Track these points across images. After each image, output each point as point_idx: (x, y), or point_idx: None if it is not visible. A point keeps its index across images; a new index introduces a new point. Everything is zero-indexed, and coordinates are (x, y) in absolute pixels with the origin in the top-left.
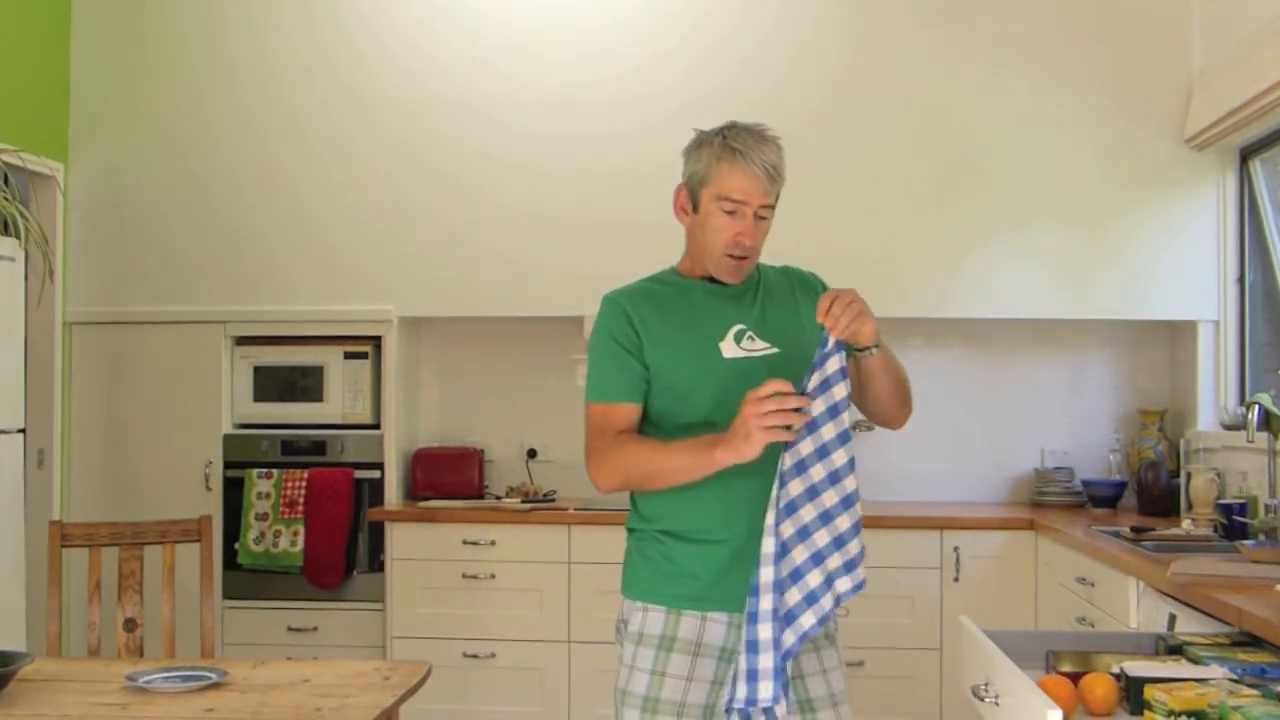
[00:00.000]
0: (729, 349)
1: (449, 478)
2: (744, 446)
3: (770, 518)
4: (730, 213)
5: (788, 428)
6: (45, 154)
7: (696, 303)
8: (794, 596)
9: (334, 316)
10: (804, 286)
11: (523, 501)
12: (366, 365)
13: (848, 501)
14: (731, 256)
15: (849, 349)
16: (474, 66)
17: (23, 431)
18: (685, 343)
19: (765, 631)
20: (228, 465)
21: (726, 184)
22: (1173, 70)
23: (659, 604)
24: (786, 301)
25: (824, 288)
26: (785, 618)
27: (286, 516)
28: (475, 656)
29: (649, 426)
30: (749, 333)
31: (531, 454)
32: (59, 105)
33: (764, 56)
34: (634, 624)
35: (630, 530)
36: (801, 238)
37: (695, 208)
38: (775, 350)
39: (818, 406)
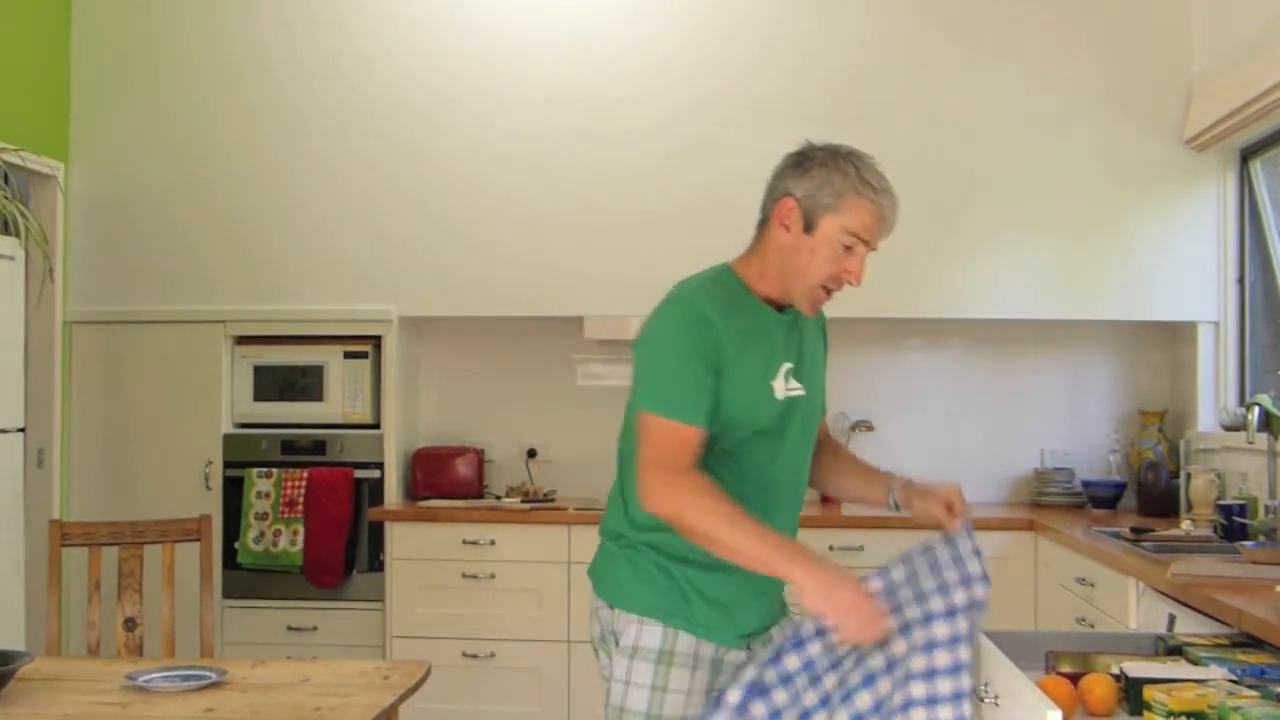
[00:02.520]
0: (779, 387)
1: (449, 477)
2: (821, 598)
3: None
4: (848, 247)
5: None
6: (45, 153)
7: (765, 330)
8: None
9: (334, 316)
10: (822, 328)
11: (523, 501)
12: (366, 365)
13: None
14: (825, 289)
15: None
16: (475, 66)
17: (23, 431)
18: (750, 373)
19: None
20: (228, 465)
21: (856, 218)
22: (1173, 71)
23: (658, 620)
24: (813, 341)
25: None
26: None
27: (286, 516)
28: (475, 656)
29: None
30: (792, 371)
31: (531, 454)
32: (59, 105)
33: (767, 59)
34: (628, 638)
35: (615, 536)
36: None
37: (809, 229)
38: (803, 392)
39: (936, 603)
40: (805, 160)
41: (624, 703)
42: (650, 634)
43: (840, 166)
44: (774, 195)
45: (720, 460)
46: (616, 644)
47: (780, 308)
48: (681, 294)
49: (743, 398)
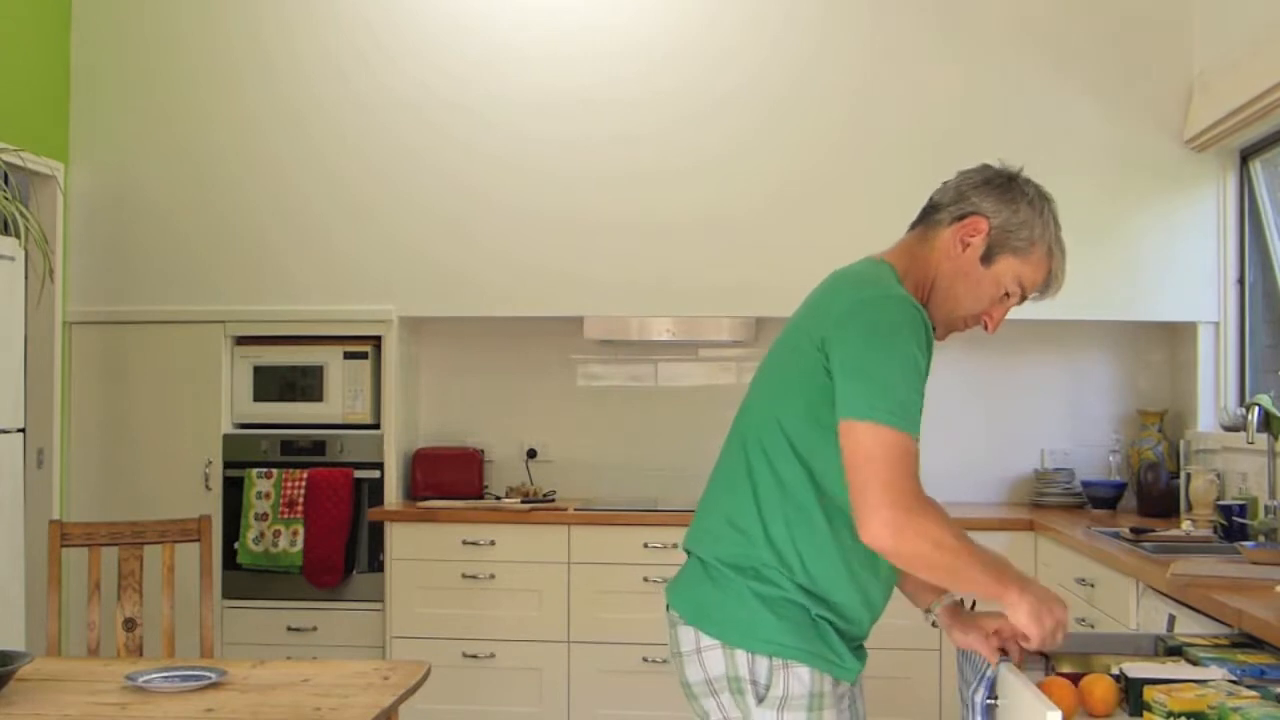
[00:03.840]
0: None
1: (449, 478)
2: (1036, 617)
3: None
4: (1007, 294)
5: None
6: (45, 154)
7: (932, 348)
8: None
9: (334, 316)
10: None
11: (522, 501)
12: (366, 365)
13: None
14: (964, 324)
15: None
16: (475, 68)
17: (23, 431)
18: (924, 394)
19: None
20: (227, 465)
21: (1033, 272)
22: (1173, 71)
23: (804, 663)
24: None
25: None
26: None
27: (286, 516)
28: (475, 656)
29: (814, 485)
30: None
31: (531, 454)
32: (59, 105)
33: (771, 64)
34: (776, 687)
35: (741, 569)
36: (804, 239)
37: (986, 260)
38: None
39: None
40: (1014, 190)
41: None
42: (798, 679)
43: (1045, 216)
44: (964, 205)
45: None
46: (760, 696)
47: None
48: (900, 293)
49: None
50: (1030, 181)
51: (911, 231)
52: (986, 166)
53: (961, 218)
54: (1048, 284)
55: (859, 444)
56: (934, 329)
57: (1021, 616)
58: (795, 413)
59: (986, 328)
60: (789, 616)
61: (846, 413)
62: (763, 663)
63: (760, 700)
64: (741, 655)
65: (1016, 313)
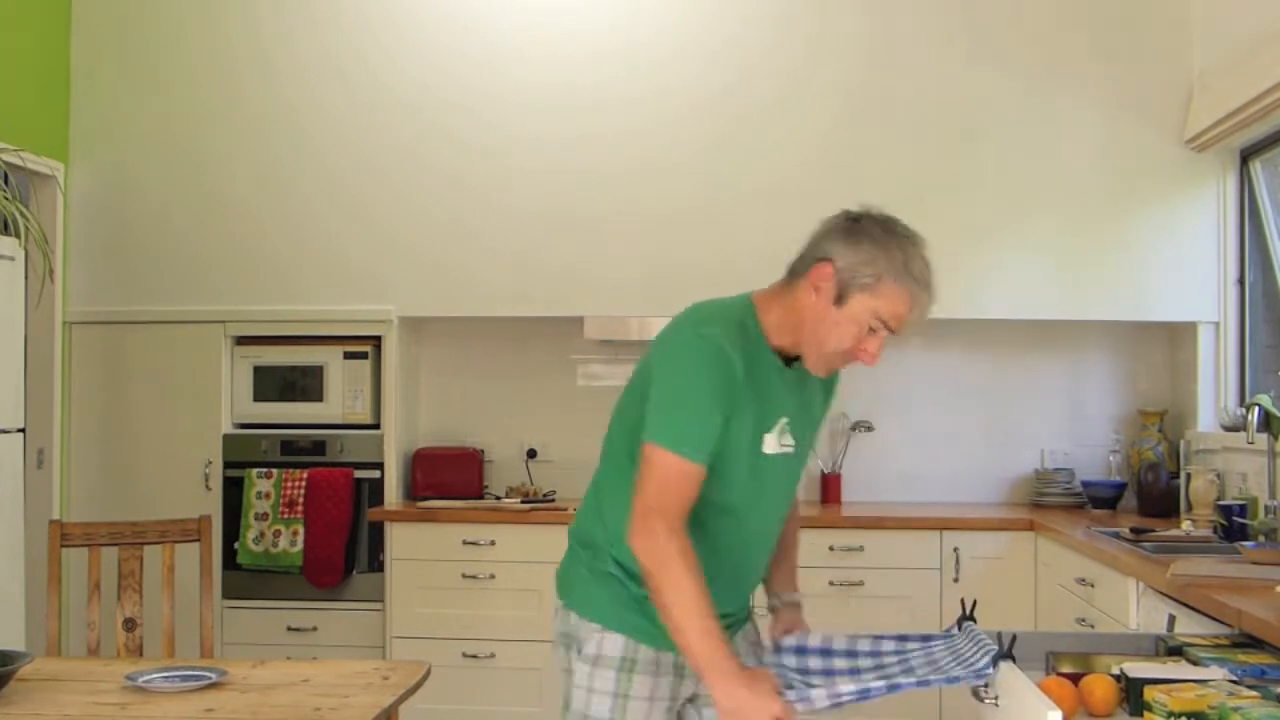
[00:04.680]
0: (770, 444)
1: (449, 478)
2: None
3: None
4: (872, 329)
5: None
6: (45, 154)
7: (770, 382)
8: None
9: (334, 316)
10: (829, 386)
11: (522, 501)
12: (366, 365)
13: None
14: (842, 360)
15: None
16: (474, 67)
17: (23, 431)
18: (748, 423)
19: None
20: (227, 465)
21: (888, 305)
22: (1173, 71)
23: (622, 632)
24: (815, 397)
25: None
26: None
27: (286, 516)
28: (475, 656)
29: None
30: (788, 425)
31: (531, 454)
32: (59, 105)
33: (768, 62)
34: (590, 646)
35: (585, 544)
36: (800, 238)
37: (839, 301)
38: (792, 450)
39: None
40: (856, 230)
41: (587, 710)
42: (612, 643)
43: (888, 248)
44: (815, 253)
45: (701, 507)
46: (579, 651)
47: (789, 358)
48: (708, 333)
49: (735, 449)
50: (876, 218)
51: (785, 279)
52: (842, 212)
53: (813, 264)
54: (912, 313)
55: (643, 460)
56: (811, 364)
57: (724, 706)
58: (632, 420)
59: (865, 363)
60: (610, 588)
61: (642, 431)
62: (585, 625)
63: (579, 654)
64: (574, 616)
65: (1016, 313)
